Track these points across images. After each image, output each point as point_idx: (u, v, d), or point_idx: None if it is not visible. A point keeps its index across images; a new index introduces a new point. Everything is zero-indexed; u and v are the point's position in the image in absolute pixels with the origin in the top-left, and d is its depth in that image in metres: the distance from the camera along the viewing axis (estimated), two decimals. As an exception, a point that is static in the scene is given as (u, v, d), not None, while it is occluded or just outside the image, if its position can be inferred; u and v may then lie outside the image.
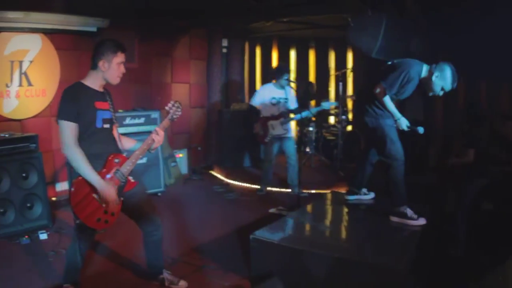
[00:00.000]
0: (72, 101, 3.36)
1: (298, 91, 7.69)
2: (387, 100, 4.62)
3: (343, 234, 4.61)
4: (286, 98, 7.13)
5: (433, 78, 4.57)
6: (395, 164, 4.74)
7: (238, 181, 8.37)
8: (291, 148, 7.14)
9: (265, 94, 7.15)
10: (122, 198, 3.51)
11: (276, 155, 7.45)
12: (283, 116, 7.04)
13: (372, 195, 5.53)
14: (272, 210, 6.47)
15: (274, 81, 7.23)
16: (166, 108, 3.63)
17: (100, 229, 3.68)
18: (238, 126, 9.04)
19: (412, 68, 4.63)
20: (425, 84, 4.69)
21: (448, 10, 6.66)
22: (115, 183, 3.44)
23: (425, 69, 4.67)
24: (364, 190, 5.51)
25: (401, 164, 4.74)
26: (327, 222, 5.03)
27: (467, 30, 6.85)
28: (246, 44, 10.93)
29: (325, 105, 7.35)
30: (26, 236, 5.27)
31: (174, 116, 3.62)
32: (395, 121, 4.72)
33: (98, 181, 3.35)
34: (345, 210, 5.29)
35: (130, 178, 3.57)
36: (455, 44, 7.11)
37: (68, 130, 3.32)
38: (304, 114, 7.09)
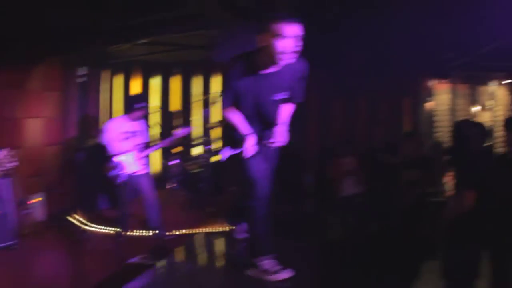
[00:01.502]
0: None
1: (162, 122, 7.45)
2: (231, 115, 3.84)
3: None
4: (138, 131, 6.79)
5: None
6: (253, 205, 3.80)
7: (98, 225, 7.84)
8: (147, 185, 6.76)
9: (115, 128, 6.70)
10: None
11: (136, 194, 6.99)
12: (136, 152, 6.69)
13: None
14: (133, 260, 5.90)
15: (126, 113, 6.84)
16: None
17: None
18: (96, 164, 8.53)
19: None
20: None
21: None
22: None
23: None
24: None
25: (261, 205, 3.80)
26: (200, 272, 4.46)
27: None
28: (106, 72, 10.27)
29: (178, 133, 7.09)
30: None
31: (6, 168, 3.04)
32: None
33: None
34: (221, 253, 4.96)
35: None
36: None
37: None
38: (154, 148, 6.94)
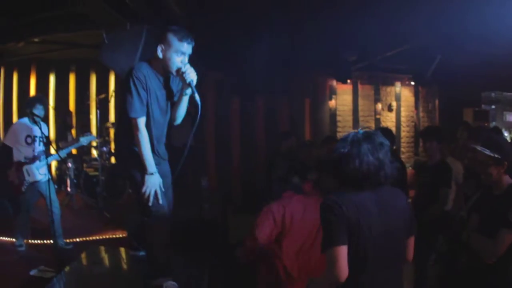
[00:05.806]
0: None
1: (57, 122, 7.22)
2: (141, 139, 3.57)
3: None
4: (41, 136, 6.37)
5: (162, 53, 3.62)
6: (151, 224, 3.72)
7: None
8: (52, 192, 6.21)
9: (19, 132, 6.33)
10: None
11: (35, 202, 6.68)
12: (39, 158, 6.36)
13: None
14: (33, 272, 5.55)
15: (26, 116, 6.39)
16: None
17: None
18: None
19: (136, 67, 3.63)
20: (165, 67, 3.69)
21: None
22: None
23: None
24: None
25: (160, 224, 3.73)
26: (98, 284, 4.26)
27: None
28: (1, 70, 10.07)
29: (83, 140, 6.76)
30: None
31: None
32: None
33: None
34: (119, 265, 4.84)
35: None
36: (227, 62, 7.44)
37: None
38: (51, 159, 6.63)
